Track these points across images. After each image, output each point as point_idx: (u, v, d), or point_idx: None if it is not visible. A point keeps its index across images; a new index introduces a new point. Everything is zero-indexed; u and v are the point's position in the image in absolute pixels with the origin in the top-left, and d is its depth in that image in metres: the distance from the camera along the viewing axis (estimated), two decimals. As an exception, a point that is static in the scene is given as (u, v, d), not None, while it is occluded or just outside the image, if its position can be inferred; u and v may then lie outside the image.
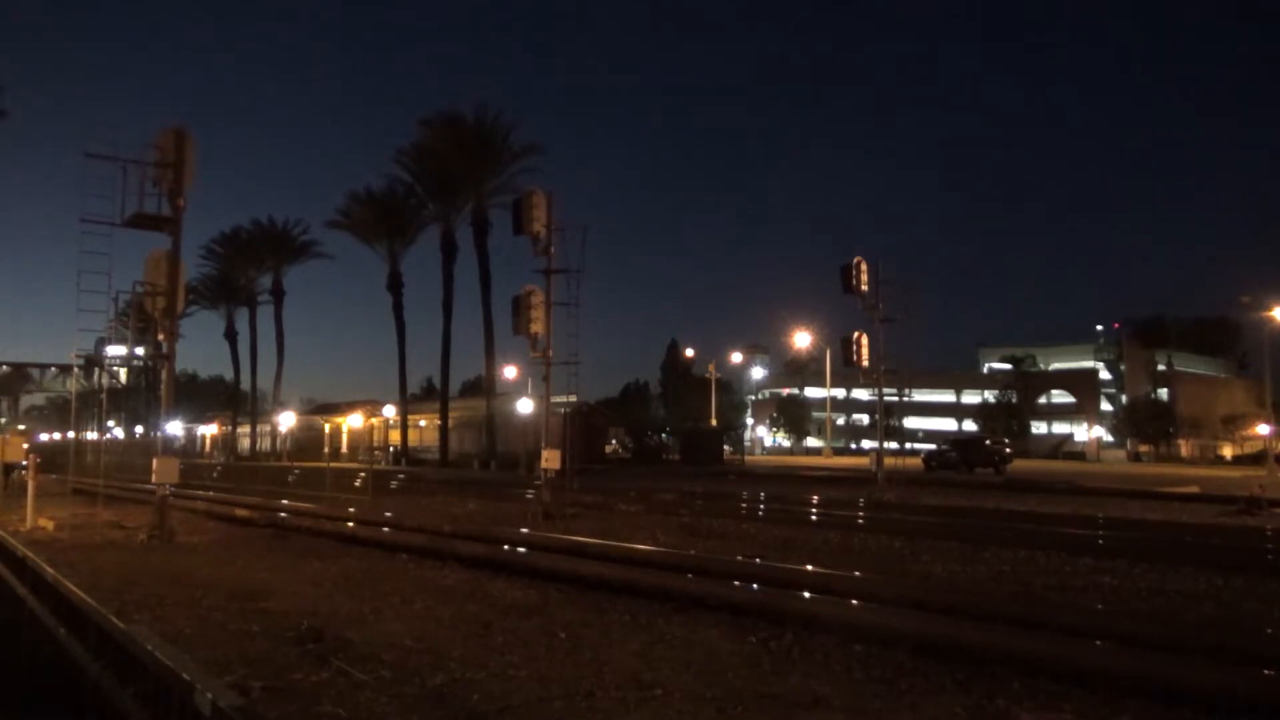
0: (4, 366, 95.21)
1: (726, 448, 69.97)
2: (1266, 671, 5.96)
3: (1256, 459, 61.51)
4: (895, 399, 35.92)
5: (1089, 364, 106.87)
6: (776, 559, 11.96)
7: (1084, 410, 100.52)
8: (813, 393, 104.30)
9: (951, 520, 18.86)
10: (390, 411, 66.49)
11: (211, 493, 26.43)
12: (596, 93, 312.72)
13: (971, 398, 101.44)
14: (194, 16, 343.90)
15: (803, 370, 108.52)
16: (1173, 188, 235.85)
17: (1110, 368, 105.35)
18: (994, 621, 7.61)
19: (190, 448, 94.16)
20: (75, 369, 49.28)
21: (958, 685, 6.19)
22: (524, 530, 15.80)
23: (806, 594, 8.81)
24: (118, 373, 74.06)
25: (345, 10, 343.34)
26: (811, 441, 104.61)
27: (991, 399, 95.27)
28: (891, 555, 13.15)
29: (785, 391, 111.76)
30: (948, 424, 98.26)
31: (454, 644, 7.40)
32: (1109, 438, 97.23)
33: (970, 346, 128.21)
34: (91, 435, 56.35)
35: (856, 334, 28.15)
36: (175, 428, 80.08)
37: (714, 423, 72.46)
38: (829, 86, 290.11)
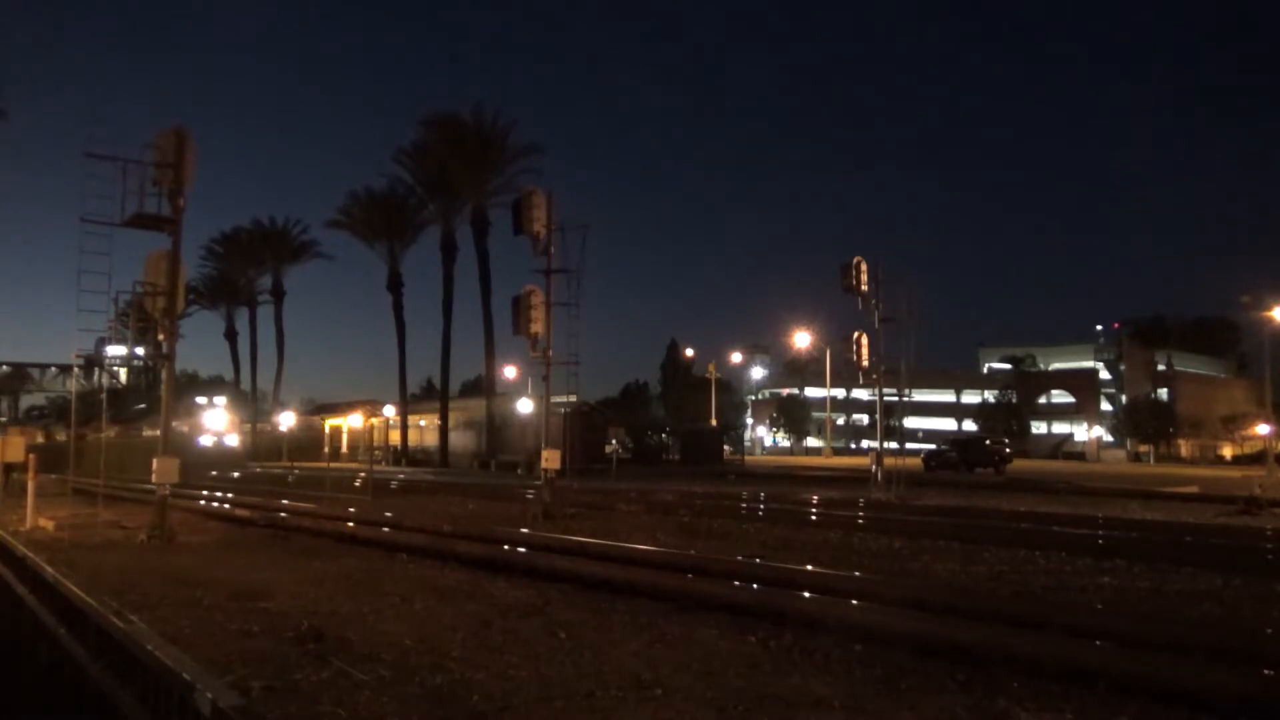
0: (4, 366, 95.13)
1: (726, 448, 69.97)
2: (1266, 671, 5.96)
3: (1256, 459, 61.49)
4: (895, 399, 35.88)
5: (1089, 364, 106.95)
6: (776, 559, 11.95)
7: (1084, 410, 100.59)
8: (813, 393, 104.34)
9: (951, 520, 18.86)
10: (390, 411, 66.45)
11: (211, 493, 26.42)
12: (596, 93, 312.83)
13: (971, 398, 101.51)
14: (194, 16, 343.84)
15: (803, 370, 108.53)
16: (1172, 188, 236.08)
17: (1110, 368, 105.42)
18: (994, 621, 7.60)
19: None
20: (75, 369, 49.22)
21: (958, 685, 6.18)
22: (524, 530, 15.80)
23: (806, 594, 8.81)
24: (118, 373, 74.01)
25: (345, 10, 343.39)
26: (811, 441, 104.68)
27: (991, 399, 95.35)
28: (891, 555, 13.15)
29: (785, 391, 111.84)
30: (948, 424, 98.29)
31: (454, 644, 7.40)
32: (1109, 438, 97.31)
33: (970, 346, 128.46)
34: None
35: (856, 334, 28.09)
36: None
37: (714, 423, 72.48)
38: (829, 87, 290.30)
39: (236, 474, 40.25)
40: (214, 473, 39.93)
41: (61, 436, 64.46)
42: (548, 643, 7.49)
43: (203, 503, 23.40)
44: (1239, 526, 18.20)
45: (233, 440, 47.58)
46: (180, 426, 52.78)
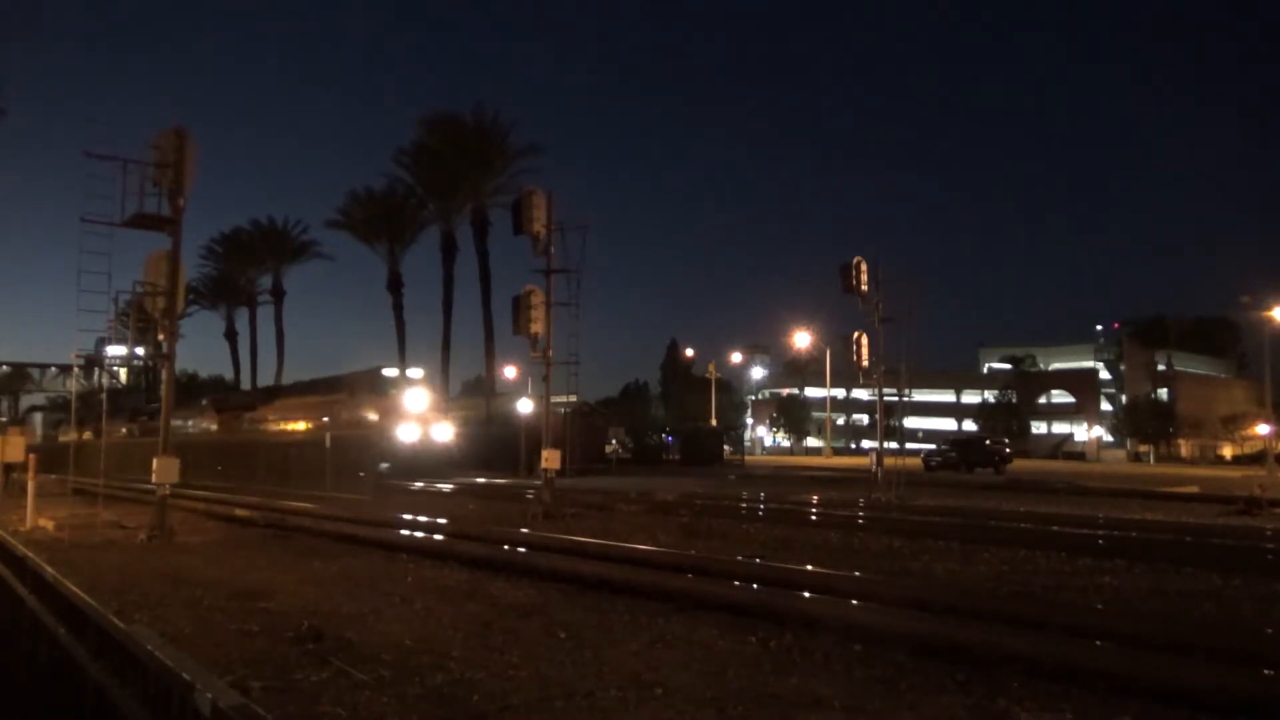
0: (4, 366, 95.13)
1: (726, 448, 69.98)
2: (1266, 671, 5.96)
3: (1256, 459, 61.50)
4: (895, 399, 35.85)
5: (1089, 364, 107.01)
6: (776, 559, 11.95)
7: (1084, 410, 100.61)
8: (813, 393, 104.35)
9: (951, 520, 18.85)
10: (390, 411, 66.23)
11: (211, 493, 26.40)
12: (596, 93, 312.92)
13: (971, 398, 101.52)
14: (194, 17, 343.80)
15: (803, 370, 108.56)
16: (1172, 188, 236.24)
17: (1110, 368, 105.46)
18: (994, 621, 7.60)
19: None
20: (75, 369, 49.07)
21: (958, 685, 6.18)
22: (524, 530, 15.80)
23: (806, 594, 8.81)
24: (118, 373, 73.84)
25: (345, 11, 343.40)
26: (811, 441, 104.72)
27: (991, 399, 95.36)
28: (891, 555, 13.15)
29: (785, 391, 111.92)
30: (948, 424, 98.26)
31: (454, 644, 7.40)
32: (1109, 438, 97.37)
33: (970, 346, 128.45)
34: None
35: (856, 334, 28.07)
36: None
37: (714, 423, 72.45)
38: (829, 86, 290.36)
39: (447, 486, 28.10)
40: (416, 484, 30.29)
41: (132, 428, 46.32)
42: (548, 643, 7.49)
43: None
44: (1239, 526, 18.20)
45: (444, 433, 33.46)
46: (364, 413, 36.92)
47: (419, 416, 36.11)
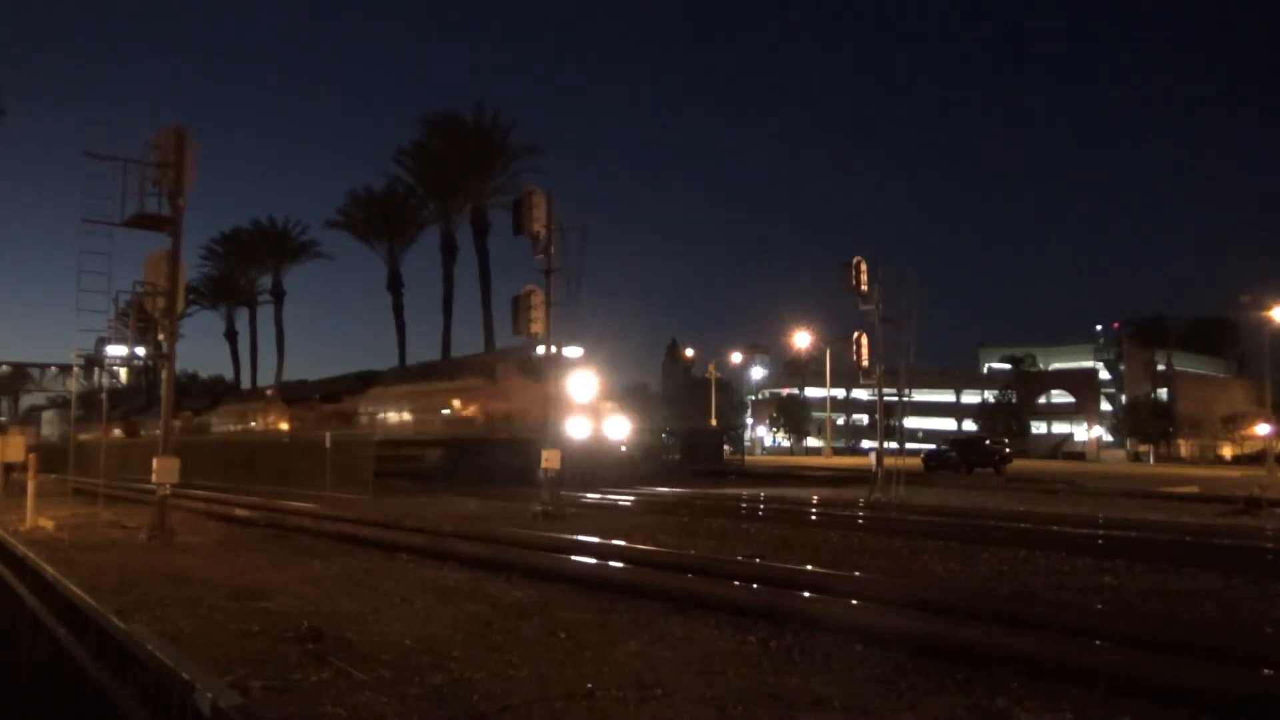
0: (4, 366, 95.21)
1: (726, 448, 70.03)
2: (1266, 671, 5.96)
3: (1256, 459, 61.57)
4: (895, 399, 35.88)
5: (1089, 364, 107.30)
6: (776, 559, 11.94)
7: (1084, 410, 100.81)
8: (813, 393, 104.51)
9: (951, 520, 18.85)
10: (390, 411, 66.04)
11: (211, 493, 26.39)
12: (596, 93, 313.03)
13: (971, 398, 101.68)
14: (194, 16, 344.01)
15: (803, 370, 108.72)
16: (1172, 188, 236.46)
17: (1110, 368, 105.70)
18: (994, 621, 7.60)
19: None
20: (75, 369, 49.06)
21: (958, 685, 6.18)
22: (524, 530, 15.79)
23: (806, 594, 8.80)
24: (118, 373, 73.78)
25: (345, 11, 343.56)
26: (811, 441, 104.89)
27: (991, 399, 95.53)
28: (891, 555, 13.14)
29: (785, 391, 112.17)
30: (948, 424, 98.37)
31: (454, 644, 7.40)
32: (1109, 438, 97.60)
33: (970, 346, 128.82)
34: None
35: (856, 334, 28.07)
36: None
37: (714, 423, 72.50)
38: (829, 86, 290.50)
39: (627, 499, 22.18)
40: (590, 495, 24.04)
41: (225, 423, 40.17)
42: (548, 643, 7.48)
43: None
44: (1239, 526, 18.21)
45: (620, 429, 26.10)
46: (513, 403, 29.89)
47: (587, 408, 29.04)
